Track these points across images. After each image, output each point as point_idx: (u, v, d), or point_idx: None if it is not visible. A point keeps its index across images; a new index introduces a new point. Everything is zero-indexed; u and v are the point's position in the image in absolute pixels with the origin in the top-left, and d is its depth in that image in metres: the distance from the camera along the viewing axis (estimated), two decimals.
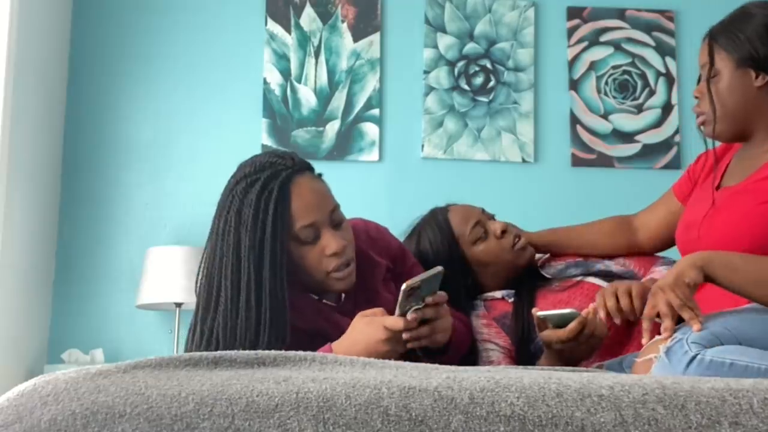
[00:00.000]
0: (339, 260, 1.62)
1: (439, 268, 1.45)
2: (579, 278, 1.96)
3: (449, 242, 1.99)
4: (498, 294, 1.98)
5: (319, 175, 1.71)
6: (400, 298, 1.40)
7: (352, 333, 1.48)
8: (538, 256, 2.12)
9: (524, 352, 1.85)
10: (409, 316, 1.42)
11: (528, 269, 2.04)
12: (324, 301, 1.70)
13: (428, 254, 1.98)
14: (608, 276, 1.98)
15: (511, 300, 1.94)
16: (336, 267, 1.62)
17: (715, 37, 1.88)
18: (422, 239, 2.03)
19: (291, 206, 1.58)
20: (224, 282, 1.56)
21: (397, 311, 1.42)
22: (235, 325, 1.53)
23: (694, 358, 1.32)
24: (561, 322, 1.63)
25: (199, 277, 1.63)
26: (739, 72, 1.78)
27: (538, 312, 1.67)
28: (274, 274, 1.55)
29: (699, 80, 1.89)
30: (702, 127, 1.83)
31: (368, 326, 1.44)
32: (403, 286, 1.39)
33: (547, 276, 2.03)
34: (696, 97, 1.86)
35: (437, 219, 2.04)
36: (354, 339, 1.45)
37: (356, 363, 1.06)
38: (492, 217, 2.07)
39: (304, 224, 1.59)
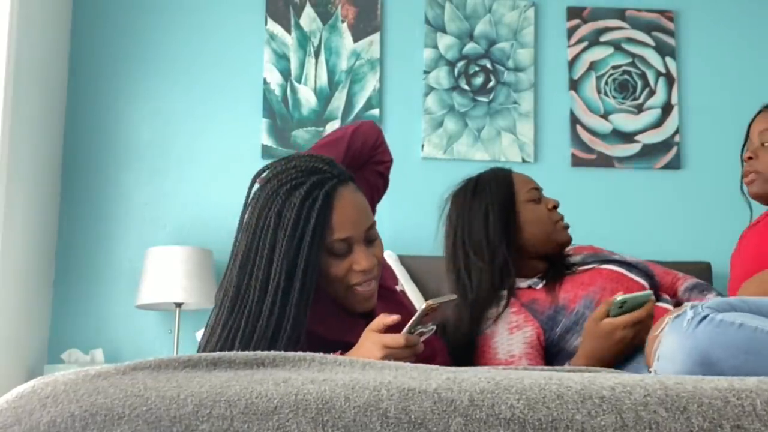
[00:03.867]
0: (365, 277, 1.62)
1: (454, 296, 1.52)
2: (595, 265, 2.08)
3: (506, 193, 2.10)
4: (523, 284, 2.06)
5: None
6: (416, 315, 1.42)
7: (357, 347, 1.49)
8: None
9: (551, 336, 1.95)
10: (413, 335, 1.44)
11: (557, 257, 2.14)
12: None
13: (484, 200, 2.09)
14: (623, 264, 2.09)
15: (538, 288, 2.03)
16: (359, 282, 1.62)
17: None
18: (480, 183, 2.13)
19: (332, 218, 1.57)
20: (254, 283, 1.54)
21: (406, 328, 1.43)
22: (254, 328, 1.52)
23: (705, 317, 1.33)
24: (632, 306, 1.69)
25: (230, 269, 1.59)
26: None
27: (618, 297, 1.71)
28: (304, 284, 1.53)
29: (746, 145, 2.14)
30: (750, 185, 2.08)
31: (368, 342, 1.45)
32: (424, 306, 1.41)
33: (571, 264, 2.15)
34: (749, 158, 2.08)
35: (500, 172, 2.16)
36: (356, 354, 1.46)
37: (356, 364, 1.06)
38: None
39: (340, 237, 1.58)
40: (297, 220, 1.53)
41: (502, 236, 2.04)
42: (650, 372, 1.44)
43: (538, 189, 2.14)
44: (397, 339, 1.42)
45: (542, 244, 2.10)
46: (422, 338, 1.47)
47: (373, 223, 1.66)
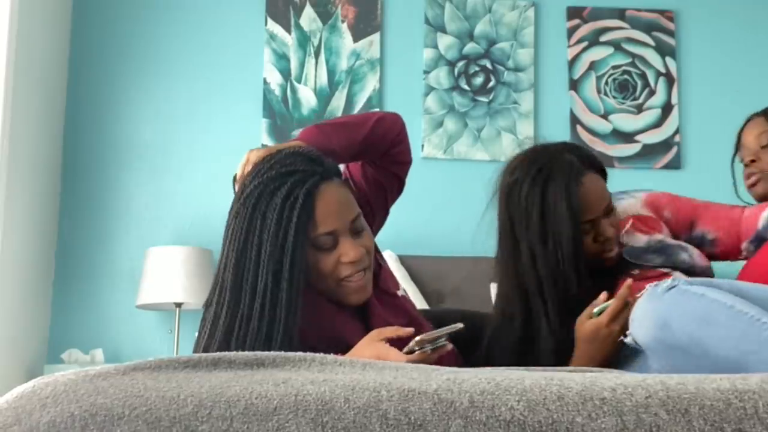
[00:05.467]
0: (354, 268, 1.61)
1: (460, 325, 1.44)
2: (661, 270, 1.87)
3: (569, 217, 1.76)
4: None
5: (346, 180, 1.70)
6: (411, 344, 1.41)
7: (358, 351, 1.48)
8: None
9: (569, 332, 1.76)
10: (417, 354, 1.42)
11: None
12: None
13: (550, 211, 1.78)
14: (690, 272, 1.88)
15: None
16: (350, 274, 1.61)
17: None
18: (548, 193, 1.79)
19: (314, 213, 1.56)
20: (245, 286, 1.54)
21: (405, 348, 1.43)
22: (247, 331, 1.52)
23: (674, 287, 1.41)
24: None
25: (221, 274, 1.59)
26: None
27: (601, 304, 1.65)
28: (291, 283, 1.53)
29: (738, 150, 2.21)
30: (753, 186, 2.14)
31: (370, 353, 1.45)
32: (417, 338, 1.40)
33: (627, 258, 1.90)
34: (752, 161, 2.14)
35: (570, 187, 1.79)
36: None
37: (356, 364, 1.05)
38: (610, 213, 1.88)
39: (324, 231, 1.57)
40: (279, 219, 1.53)
41: (571, 272, 1.76)
42: (627, 335, 1.50)
43: (596, 220, 1.82)
44: (399, 359, 1.41)
45: (586, 265, 1.82)
46: (436, 354, 1.43)
47: (359, 214, 1.64)
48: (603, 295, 1.69)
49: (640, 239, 1.91)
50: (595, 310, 1.65)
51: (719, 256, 2.02)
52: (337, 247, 1.60)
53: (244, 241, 1.55)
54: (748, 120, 2.21)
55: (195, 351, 1.58)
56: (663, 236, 1.93)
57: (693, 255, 1.92)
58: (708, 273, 1.96)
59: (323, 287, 1.64)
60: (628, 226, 1.93)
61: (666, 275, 1.83)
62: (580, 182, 1.80)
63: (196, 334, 1.64)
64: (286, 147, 1.65)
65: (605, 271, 1.86)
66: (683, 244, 1.94)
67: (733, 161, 2.24)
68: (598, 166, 1.90)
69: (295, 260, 1.53)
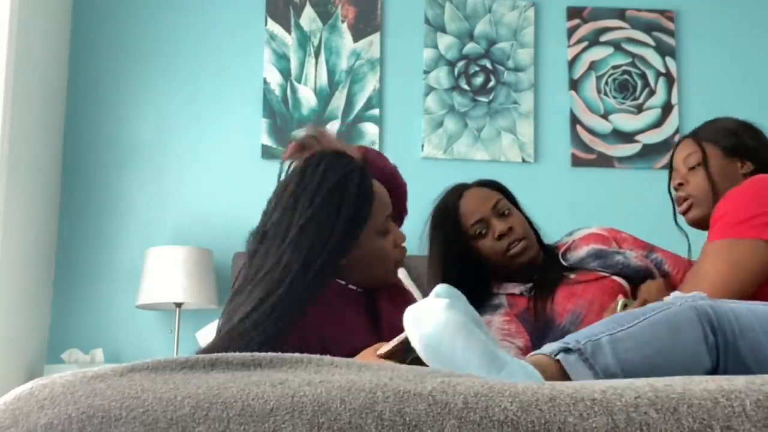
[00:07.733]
0: (403, 252, 1.75)
1: None
2: (598, 273, 2.02)
3: (456, 234, 2.07)
4: (516, 290, 2.04)
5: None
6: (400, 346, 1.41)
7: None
8: (563, 242, 2.18)
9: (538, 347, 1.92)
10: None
11: (549, 258, 2.09)
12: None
13: (444, 245, 2.07)
14: (626, 274, 2.02)
15: (530, 295, 2.01)
16: (400, 258, 1.74)
17: (697, 133, 2.06)
18: (436, 234, 2.10)
19: (375, 201, 1.65)
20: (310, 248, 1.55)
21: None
22: (297, 301, 1.52)
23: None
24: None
25: (273, 243, 1.58)
26: (726, 160, 1.98)
27: (620, 300, 1.82)
28: (334, 262, 1.59)
29: (672, 174, 2.09)
30: (686, 213, 2.01)
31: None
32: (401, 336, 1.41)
33: (567, 265, 2.07)
34: (680, 185, 2.03)
35: (449, 209, 2.10)
36: None
37: (352, 366, 1.06)
38: (503, 213, 2.09)
39: (386, 215, 1.68)
40: (360, 195, 1.60)
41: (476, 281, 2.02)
42: None
43: (483, 219, 2.05)
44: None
45: (507, 269, 2.06)
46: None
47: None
48: (621, 296, 1.88)
49: (581, 251, 2.09)
50: (620, 303, 1.77)
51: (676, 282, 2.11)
52: (390, 233, 1.73)
53: (321, 210, 1.56)
54: (678, 143, 2.12)
55: (241, 318, 1.51)
56: (603, 246, 2.11)
57: (628, 257, 2.06)
58: (647, 272, 2.06)
59: (372, 274, 1.72)
60: (569, 242, 2.13)
61: (604, 278, 1.98)
62: (460, 196, 2.10)
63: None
64: None
65: (542, 280, 2.02)
66: (620, 249, 2.10)
67: (669, 187, 2.14)
68: (493, 185, 2.19)
69: (353, 236, 1.60)
